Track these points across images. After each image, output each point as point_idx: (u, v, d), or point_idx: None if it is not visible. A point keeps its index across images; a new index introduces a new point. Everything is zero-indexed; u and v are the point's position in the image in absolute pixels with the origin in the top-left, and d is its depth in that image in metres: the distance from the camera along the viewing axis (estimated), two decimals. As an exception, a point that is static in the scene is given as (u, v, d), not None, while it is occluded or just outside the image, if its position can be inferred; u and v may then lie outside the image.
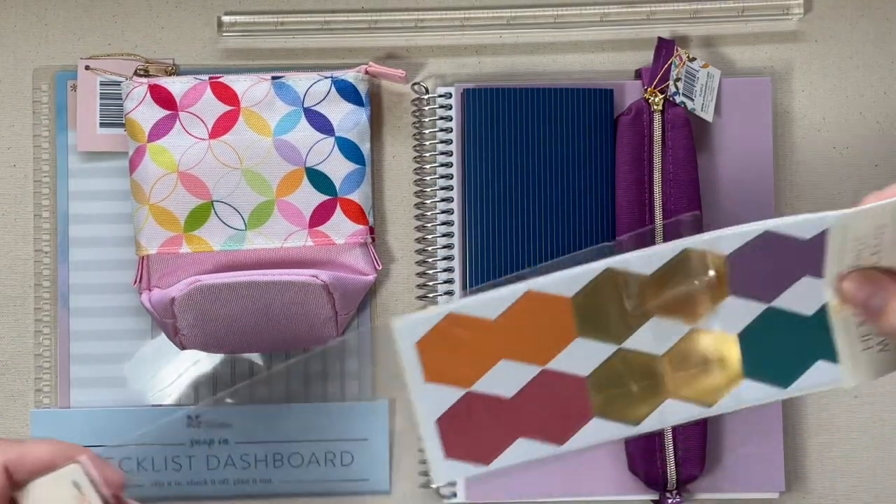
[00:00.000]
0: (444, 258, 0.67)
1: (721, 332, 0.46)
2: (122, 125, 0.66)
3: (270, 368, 0.68)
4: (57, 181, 0.67)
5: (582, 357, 0.46)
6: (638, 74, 0.68)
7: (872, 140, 0.70)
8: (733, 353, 0.46)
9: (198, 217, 0.65)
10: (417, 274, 0.68)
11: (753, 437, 0.67)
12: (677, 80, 0.66)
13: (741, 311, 0.46)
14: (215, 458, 0.66)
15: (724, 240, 0.45)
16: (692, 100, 0.66)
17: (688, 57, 0.67)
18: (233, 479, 0.67)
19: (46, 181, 0.68)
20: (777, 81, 0.69)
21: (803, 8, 0.69)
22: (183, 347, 0.65)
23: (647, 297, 0.45)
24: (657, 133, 0.66)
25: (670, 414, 0.46)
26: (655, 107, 0.66)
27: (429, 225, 0.67)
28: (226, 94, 0.65)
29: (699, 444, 0.65)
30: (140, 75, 0.66)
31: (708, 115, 0.67)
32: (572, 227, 0.66)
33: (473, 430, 0.46)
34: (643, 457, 0.65)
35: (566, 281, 0.45)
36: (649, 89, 0.66)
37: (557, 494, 0.67)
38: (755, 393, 0.46)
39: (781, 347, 0.46)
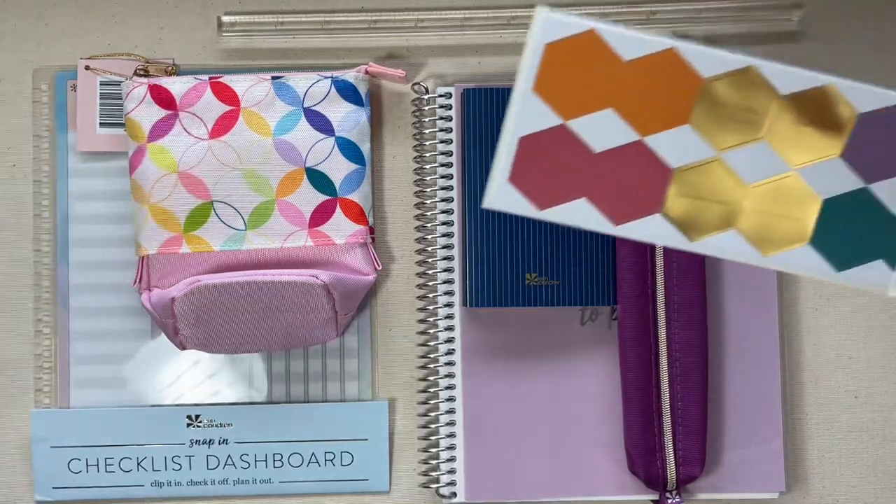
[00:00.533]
0: (444, 258, 0.67)
1: (812, 189, 0.45)
2: (122, 125, 0.66)
3: (270, 368, 0.68)
4: (57, 181, 0.67)
5: (681, 147, 0.44)
6: (638, 74, 0.68)
7: (873, 140, 0.70)
8: (811, 214, 0.45)
9: (198, 217, 0.65)
10: (417, 274, 0.68)
11: (753, 437, 0.67)
12: (677, 80, 0.66)
13: (841, 177, 0.45)
14: (215, 458, 0.67)
15: (867, 94, 0.44)
16: (692, 100, 0.66)
17: (688, 57, 0.67)
18: (232, 479, 0.67)
19: (46, 181, 0.68)
20: (777, 81, 0.69)
21: (804, 7, 0.69)
22: (183, 347, 0.65)
23: (768, 118, 0.44)
24: (657, 133, 0.66)
25: (726, 246, 0.45)
26: (656, 107, 0.66)
27: (429, 225, 0.67)
28: (226, 94, 0.65)
29: (699, 443, 0.65)
30: (140, 75, 0.66)
31: (708, 115, 0.67)
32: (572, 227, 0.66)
33: (547, 169, 0.44)
34: (643, 457, 0.65)
35: (711, 58, 0.44)
36: (649, 89, 0.66)
37: (557, 494, 0.67)
38: (808, 262, 0.45)
39: (855, 231, 0.45)
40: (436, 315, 0.67)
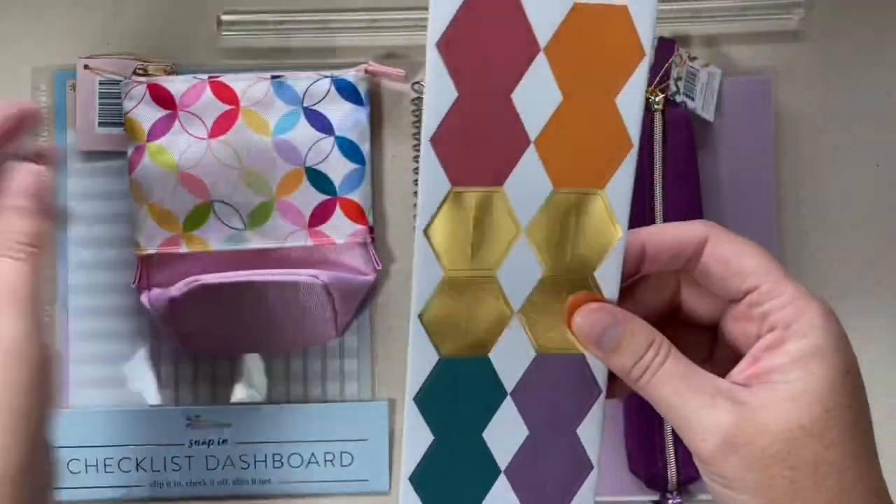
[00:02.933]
0: (444, 258, 0.67)
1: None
2: (121, 125, 0.66)
3: (270, 368, 0.68)
4: (56, 181, 0.67)
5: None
6: (638, 74, 0.68)
7: (874, 140, 0.69)
8: None
9: (197, 217, 0.64)
10: (417, 274, 0.68)
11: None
12: (678, 79, 0.66)
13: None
14: (214, 458, 0.66)
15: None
16: (693, 99, 0.66)
17: (689, 56, 0.66)
18: (232, 480, 0.67)
19: (45, 181, 0.67)
20: (778, 81, 0.69)
21: (804, 7, 0.68)
22: (182, 347, 0.65)
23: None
24: (658, 133, 0.66)
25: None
26: (656, 106, 0.66)
27: (429, 225, 0.67)
28: (225, 94, 0.65)
29: (700, 444, 0.65)
30: (139, 75, 0.65)
31: (709, 115, 0.67)
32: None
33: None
34: (643, 457, 0.65)
35: None
36: (650, 88, 0.66)
37: (558, 495, 0.66)
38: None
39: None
40: (436, 315, 0.67)
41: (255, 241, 0.65)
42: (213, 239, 0.65)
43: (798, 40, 0.70)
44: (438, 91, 0.39)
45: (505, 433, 0.43)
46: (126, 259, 0.66)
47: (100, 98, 0.67)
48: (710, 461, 0.39)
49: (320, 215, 0.65)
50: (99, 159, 0.67)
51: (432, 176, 0.39)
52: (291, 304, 0.64)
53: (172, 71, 0.67)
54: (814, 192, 0.69)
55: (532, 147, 0.39)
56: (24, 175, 0.45)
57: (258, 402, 0.67)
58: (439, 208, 0.40)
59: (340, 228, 0.65)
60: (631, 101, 0.40)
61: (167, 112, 0.65)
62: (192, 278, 0.63)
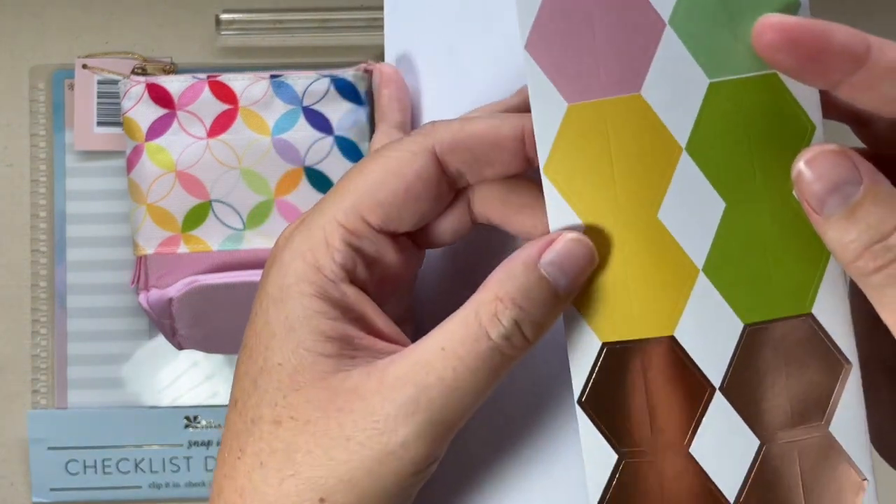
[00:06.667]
0: (444, 258, 0.67)
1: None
2: (119, 124, 0.66)
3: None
4: (54, 180, 0.67)
5: None
6: (639, 73, 0.67)
7: (875, 139, 0.69)
8: None
9: (196, 217, 0.64)
10: (417, 274, 0.68)
11: (755, 438, 0.66)
12: (679, 78, 0.66)
13: None
14: (213, 459, 0.66)
15: None
16: (694, 98, 0.66)
17: (689, 55, 0.66)
18: (231, 481, 0.66)
19: (43, 180, 0.67)
20: (779, 80, 0.69)
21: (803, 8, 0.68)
22: (181, 348, 0.65)
23: None
24: (658, 132, 0.65)
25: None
26: (657, 105, 0.65)
27: (428, 224, 0.67)
28: (224, 93, 0.65)
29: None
30: (138, 74, 0.65)
31: (710, 114, 0.67)
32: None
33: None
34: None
35: None
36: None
37: (558, 496, 0.66)
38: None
39: None
40: (435, 315, 0.67)
41: (255, 241, 0.65)
42: (212, 239, 0.64)
43: (799, 39, 0.69)
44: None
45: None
46: (124, 259, 0.66)
47: (98, 97, 0.67)
48: None
49: (319, 215, 0.65)
50: (97, 159, 0.67)
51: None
52: (290, 305, 0.63)
53: (171, 70, 0.66)
54: (815, 191, 0.69)
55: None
56: None
57: (257, 403, 0.67)
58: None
59: (340, 228, 0.65)
60: None
61: (166, 111, 0.64)
62: (191, 279, 0.63)
